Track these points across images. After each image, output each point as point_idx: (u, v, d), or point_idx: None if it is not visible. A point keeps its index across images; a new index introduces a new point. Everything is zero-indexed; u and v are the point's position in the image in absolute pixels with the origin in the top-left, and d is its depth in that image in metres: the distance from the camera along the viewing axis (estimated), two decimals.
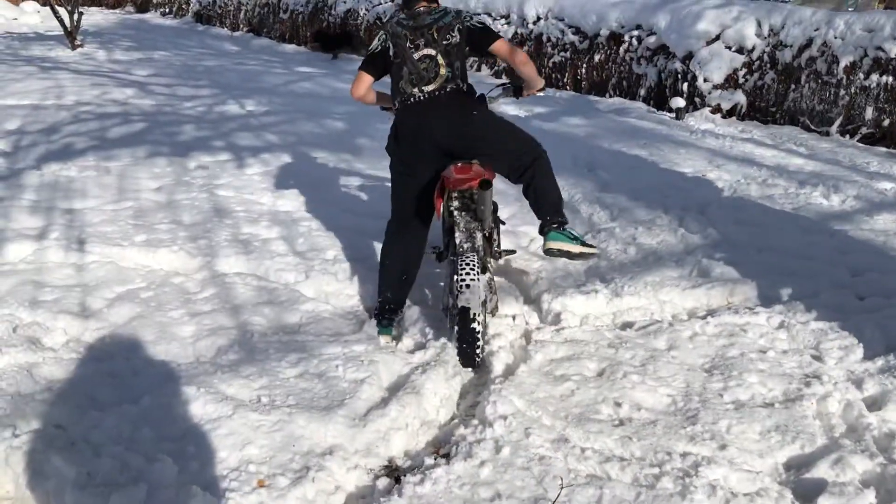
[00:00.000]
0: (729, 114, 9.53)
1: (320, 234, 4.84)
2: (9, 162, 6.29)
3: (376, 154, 7.05)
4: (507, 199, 5.29)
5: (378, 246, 4.62)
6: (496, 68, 12.26)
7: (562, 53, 11.48)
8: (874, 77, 8.28)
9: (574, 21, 11.32)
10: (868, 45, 8.36)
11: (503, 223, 4.45)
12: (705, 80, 9.57)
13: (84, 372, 3.21)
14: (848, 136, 8.53)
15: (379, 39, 3.70)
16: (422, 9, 3.66)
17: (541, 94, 4.01)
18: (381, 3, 15.05)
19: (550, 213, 3.73)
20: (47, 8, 16.00)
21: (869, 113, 8.37)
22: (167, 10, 23.02)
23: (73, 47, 14.07)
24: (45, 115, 8.17)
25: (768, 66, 9.27)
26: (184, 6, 22.22)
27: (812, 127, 8.84)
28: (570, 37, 11.38)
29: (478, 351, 3.41)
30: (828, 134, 8.65)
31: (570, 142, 7.64)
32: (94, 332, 3.55)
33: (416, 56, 3.58)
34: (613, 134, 8.32)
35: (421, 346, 3.58)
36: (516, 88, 3.95)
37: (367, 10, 15.24)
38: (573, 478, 2.66)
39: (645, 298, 4.10)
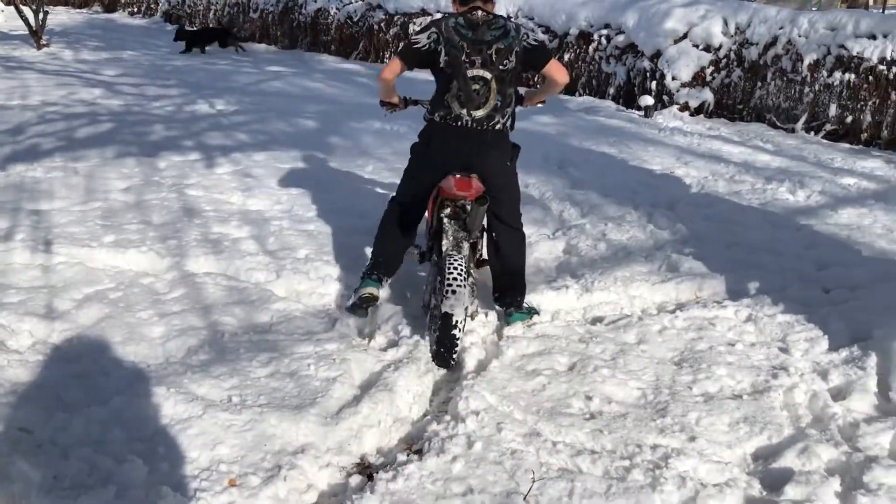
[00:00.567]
0: (697, 111, 9.64)
1: (291, 233, 4.82)
2: None
3: (349, 153, 7.04)
4: None
5: (351, 244, 4.65)
6: None
7: None
8: (837, 75, 8.44)
9: (544, 20, 11.38)
10: (831, 44, 8.52)
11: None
12: (673, 79, 9.67)
13: (51, 374, 3.16)
14: (813, 132, 8.68)
15: (429, 38, 3.45)
16: (480, 17, 3.46)
17: (541, 105, 4.05)
18: (350, 3, 15.02)
19: (518, 295, 3.78)
20: (11, 7, 15.72)
21: (832, 110, 8.52)
22: (135, 10, 22.75)
23: (39, 47, 13.86)
24: (9, 115, 8.04)
25: (735, 63, 9.40)
26: (152, 5, 21.98)
27: (778, 124, 8.98)
28: (540, 36, 11.43)
29: (454, 355, 3.43)
30: (793, 131, 8.80)
31: (540, 140, 7.68)
32: (62, 333, 3.50)
33: (469, 74, 3.42)
34: (583, 132, 8.39)
35: (393, 344, 3.58)
36: (518, 97, 3.87)
37: (337, 9, 15.20)
38: (545, 471, 2.68)
39: (615, 293, 4.14)
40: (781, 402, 3.16)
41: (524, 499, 2.54)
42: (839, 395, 3.21)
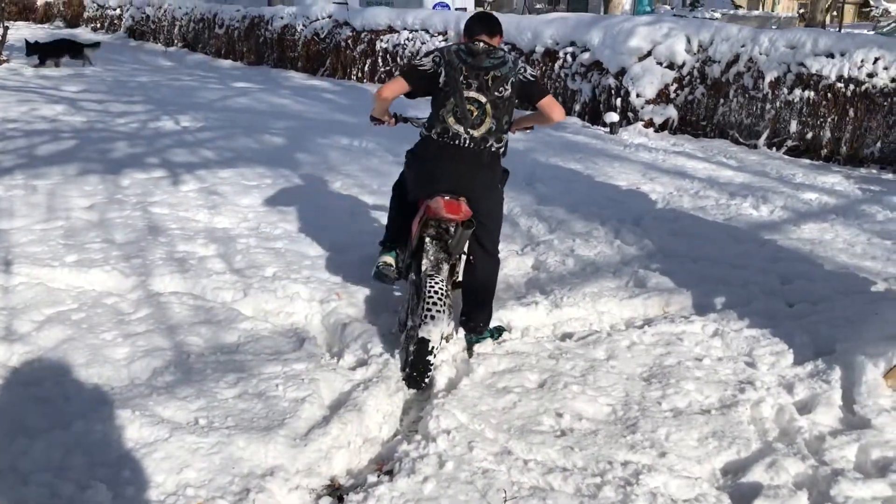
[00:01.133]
0: (661, 128, 9.77)
1: (259, 251, 4.77)
2: None
3: (316, 169, 7.01)
4: None
5: (319, 261, 4.61)
6: None
7: None
8: (797, 92, 8.62)
9: (510, 38, 11.46)
10: (791, 62, 8.70)
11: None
12: (638, 96, 9.80)
13: (10, 397, 3.08)
14: (774, 148, 8.84)
15: (434, 61, 3.57)
16: (482, 48, 3.58)
17: (529, 130, 4.13)
18: (318, 20, 15.01)
19: (485, 320, 3.79)
20: None
21: (793, 126, 8.69)
22: (98, 26, 22.51)
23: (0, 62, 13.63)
24: None
25: (698, 81, 9.55)
26: (116, 21, 21.77)
27: (741, 140, 9.13)
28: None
29: (426, 379, 3.41)
30: (756, 147, 8.95)
31: (508, 156, 7.69)
32: (22, 356, 3.42)
33: (465, 94, 3.51)
34: (550, 148, 8.45)
35: (363, 363, 3.55)
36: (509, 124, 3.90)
37: (304, 25, 15.18)
38: (517, 490, 2.67)
39: (584, 309, 4.16)
40: (749, 416, 3.19)
41: None
42: (805, 408, 3.24)
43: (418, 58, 3.67)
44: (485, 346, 3.74)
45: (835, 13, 24.31)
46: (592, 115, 10.41)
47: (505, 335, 3.87)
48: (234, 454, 2.75)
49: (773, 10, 42.67)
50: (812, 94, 8.51)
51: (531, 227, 5.56)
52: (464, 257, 3.81)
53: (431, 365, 3.39)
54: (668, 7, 33.89)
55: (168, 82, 12.79)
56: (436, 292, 3.41)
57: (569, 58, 10.79)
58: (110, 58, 16.05)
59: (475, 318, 3.77)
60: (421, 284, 3.51)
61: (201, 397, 3.10)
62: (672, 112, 9.71)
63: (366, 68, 13.96)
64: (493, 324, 3.87)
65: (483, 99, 3.52)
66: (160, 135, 8.42)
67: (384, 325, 3.93)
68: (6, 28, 14.19)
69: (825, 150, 8.50)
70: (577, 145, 8.75)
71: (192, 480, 2.60)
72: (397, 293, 4.29)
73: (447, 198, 3.51)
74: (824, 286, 4.51)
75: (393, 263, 3.92)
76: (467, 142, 3.54)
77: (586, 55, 10.53)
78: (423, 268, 3.55)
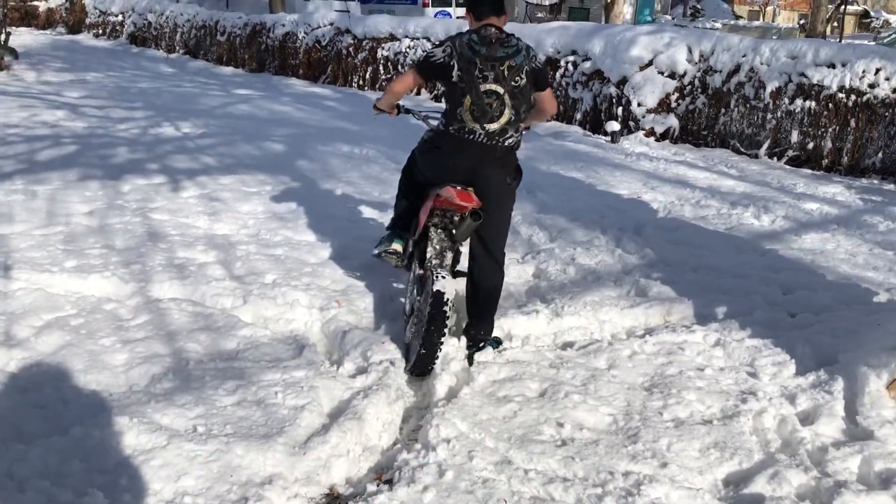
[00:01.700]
0: (662, 137, 9.77)
1: (258, 258, 4.76)
2: None
3: (317, 176, 7.01)
4: None
5: (319, 268, 4.60)
6: (436, 92, 12.32)
7: None
8: (798, 102, 8.62)
9: None
10: (792, 72, 8.71)
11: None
12: (639, 105, 9.81)
13: (8, 403, 3.06)
14: (776, 158, 8.84)
15: (444, 52, 3.55)
16: (493, 34, 3.55)
17: (525, 131, 4.09)
18: (319, 27, 15.04)
19: (487, 331, 3.78)
20: None
21: (794, 136, 8.70)
22: (100, 32, 22.56)
23: (1, 68, 13.64)
24: None
25: (699, 90, 9.56)
26: (118, 28, 21.81)
27: (742, 149, 9.13)
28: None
29: (434, 364, 3.50)
30: (757, 156, 8.95)
31: None
32: (20, 361, 3.39)
33: (482, 88, 3.49)
34: (551, 157, 8.45)
35: (363, 371, 3.53)
36: None
37: (305, 33, 15.21)
38: (517, 500, 2.65)
39: (585, 318, 4.14)
40: (751, 426, 3.17)
41: None
42: (807, 419, 3.23)
43: (430, 49, 3.66)
44: (485, 355, 3.72)
45: (835, 24, 24.38)
46: (593, 123, 10.41)
47: (506, 343, 3.86)
48: (233, 462, 2.73)
49: (773, 21, 42.84)
50: (813, 104, 8.52)
51: (532, 236, 5.55)
52: (465, 259, 3.81)
53: (439, 352, 3.49)
54: (668, 17, 34.01)
55: (169, 89, 12.80)
56: (443, 286, 3.48)
57: (570, 67, 10.80)
58: (112, 64, 16.07)
59: (478, 329, 3.76)
60: (425, 277, 3.58)
61: (200, 404, 3.08)
62: (673, 121, 9.71)
63: (367, 76, 13.98)
64: (493, 333, 3.86)
65: (501, 90, 3.51)
66: (161, 141, 8.41)
67: (384, 332, 3.91)
68: (8, 34, 14.20)
69: (826, 161, 8.50)
70: (578, 154, 8.75)
71: (189, 488, 2.58)
72: (400, 298, 4.28)
73: (459, 188, 3.55)
74: (826, 296, 4.49)
75: (401, 250, 3.97)
76: (482, 137, 3.54)
77: (587, 64, 10.55)
78: (428, 256, 3.61)
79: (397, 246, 3.96)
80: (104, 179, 6.45)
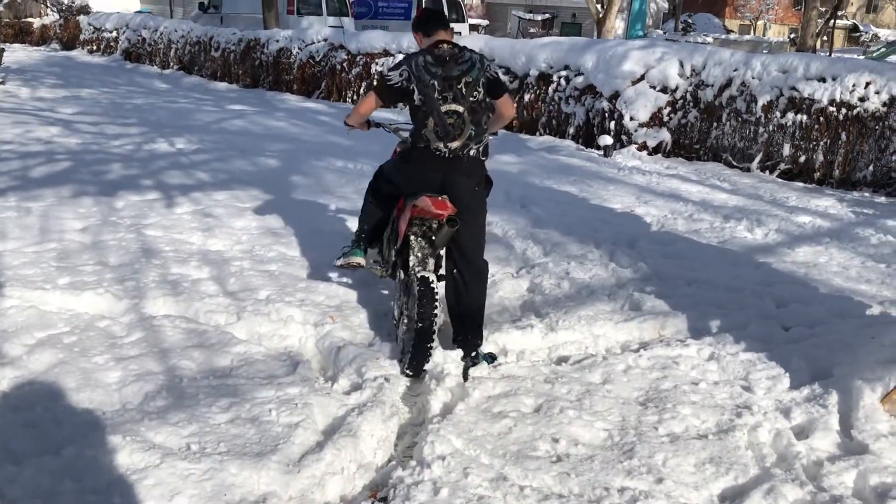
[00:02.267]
0: (655, 151, 9.81)
1: (252, 274, 4.75)
2: None
3: (311, 191, 7.01)
4: None
5: (313, 284, 4.59)
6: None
7: None
8: (790, 115, 8.67)
9: (504, 62, 11.54)
10: (783, 86, 8.77)
11: None
12: (631, 119, 9.85)
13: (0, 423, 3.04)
14: (768, 171, 8.88)
15: (401, 76, 3.61)
16: (447, 52, 3.62)
17: (492, 137, 4.19)
18: (313, 43, 15.09)
19: (480, 338, 3.80)
20: None
21: (786, 150, 8.74)
22: (95, 48, 22.59)
23: None
24: None
25: (691, 104, 9.61)
26: (112, 44, 21.85)
27: (734, 163, 9.17)
28: (501, 77, 11.59)
29: (427, 365, 3.63)
30: (749, 170, 8.99)
31: (503, 179, 7.72)
32: (12, 380, 3.37)
33: (444, 109, 3.58)
34: (545, 171, 8.48)
35: (357, 387, 3.52)
36: None
37: (299, 48, 15.26)
38: None
39: (579, 332, 4.14)
40: (746, 441, 3.17)
41: None
42: (802, 433, 3.22)
43: (387, 71, 3.71)
44: (480, 370, 3.71)
45: (825, 38, 24.55)
46: (586, 138, 10.45)
47: (500, 359, 3.85)
48: (227, 481, 2.71)
49: (764, 35, 43.14)
50: (804, 117, 8.57)
51: (526, 250, 5.55)
52: (446, 276, 3.86)
53: (430, 353, 3.61)
54: (660, 31, 34.23)
55: (164, 104, 12.82)
56: (428, 286, 3.57)
57: (563, 81, 10.85)
58: (106, 80, 16.08)
59: (470, 337, 3.77)
60: (410, 282, 3.67)
61: (193, 422, 3.07)
62: (665, 135, 9.76)
63: (361, 91, 14.01)
64: (488, 348, 3.85)
65: (461, 109, 3.60)
66: (155, 157, 8.41)
67: (379, 348, 3.90)
68: (2, 50, 14.21)
69: (818, 174, 8.55)
70: (571, 168, 8.78)
71: None
72: (392, 299, 4.27)
73: (433, 196, 3.65)
74: (820, 309, 4.50)
75: (363, 264, 4.14)
76: (448, 153, 3.65)
77: (580, 79, 10.60)
78: (411, 264, 3.71)
79: (359, 259, 4.12)
80: (98, 196, 6.44)
